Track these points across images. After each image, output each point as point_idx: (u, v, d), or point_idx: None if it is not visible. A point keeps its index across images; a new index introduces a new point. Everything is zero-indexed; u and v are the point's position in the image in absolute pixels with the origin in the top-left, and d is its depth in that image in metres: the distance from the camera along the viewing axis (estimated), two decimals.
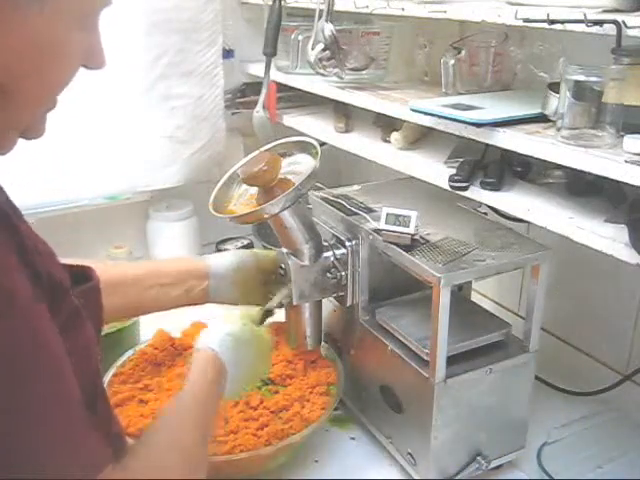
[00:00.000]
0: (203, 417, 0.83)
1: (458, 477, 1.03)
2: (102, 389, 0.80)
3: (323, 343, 1.24)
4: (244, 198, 1.09)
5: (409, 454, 1.05)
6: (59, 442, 0.59)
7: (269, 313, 1.11)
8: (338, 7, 1.19)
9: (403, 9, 1.06)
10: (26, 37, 0.55)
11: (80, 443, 0.61)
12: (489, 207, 1.06)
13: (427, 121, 1.03)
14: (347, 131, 1.34)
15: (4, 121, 0.59)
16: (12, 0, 0.53)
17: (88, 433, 0.62)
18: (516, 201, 0.95)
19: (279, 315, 1.25)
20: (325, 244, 1.13)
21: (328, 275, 1.13)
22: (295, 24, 1.39)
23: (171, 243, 1.62)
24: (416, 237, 1.02)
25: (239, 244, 1.64)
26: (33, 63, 0.57)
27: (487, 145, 0.98)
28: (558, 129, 0.86)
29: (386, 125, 1.25)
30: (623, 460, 1.07)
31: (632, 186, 0.75)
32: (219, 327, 0.99)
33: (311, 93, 1.39)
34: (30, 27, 0.55)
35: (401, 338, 1.05)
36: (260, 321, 1.08)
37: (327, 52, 1.20)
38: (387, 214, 1.02)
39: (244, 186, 1.09)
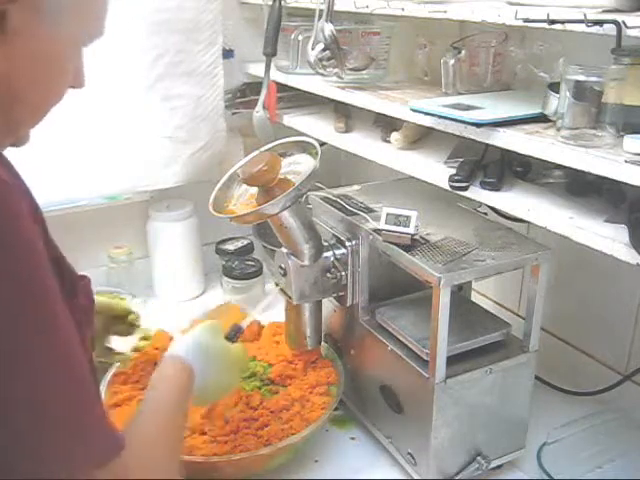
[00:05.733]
0: (174, 420, 0.81)
1: (458, 477, 1.03)
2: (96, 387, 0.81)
3: (323, 343, 1.24)
4: (244, 198, 1.09)
5: (409, 454, 1.05)
6: (71, 425, 0.58)
7: (239, 329, 1.08)
8: (338, 7, 1.19)
9: (403, 9, 1.06)
10: (44, 51, 0.61)
11: (93, 427, 0.61)
12: (489, 207, 1.06)
13: (427, 121, 1.03)
14: (347, 131, 1.34)
15: (6, 132, 0.63)
16: (41, 18, 0.59)
17: (100, 417, 0.62)
18: (516, 201, 0.95)
19: (279, 315, 1.25)
20: (325, 244, 1.13)
21: (328, 275, 1.13)
22: (295, 24, 1.39)
23: (171, 243, 1.62)
24: (416, 237, 1.02)
25: (239, 244, 1.65)
26: (44, 76, 0.63)
27: (487, 145, 0.98)
28: (558, 129, 0.86)
29: (386, 125, 1.25)
30: (623, 460, 1.07)
31: (632, 186, 0.75)
32: (189, 336, 0.96)
33: (311, 93, 1.39)
34: (48, 44, 0.61)
35: (401, 338, 1.05)
36: (230, 337, 1.06)
37: (327, 52, 1.20)
38: (387, 214, 1.02)
39: (244, 186, 1.09)
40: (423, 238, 1.03)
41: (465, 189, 1.00)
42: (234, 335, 1.06)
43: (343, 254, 1.12)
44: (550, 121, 0.92)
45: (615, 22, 0.74)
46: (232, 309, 1.30)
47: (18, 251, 0.55)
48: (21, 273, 0.55)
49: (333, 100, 1.33)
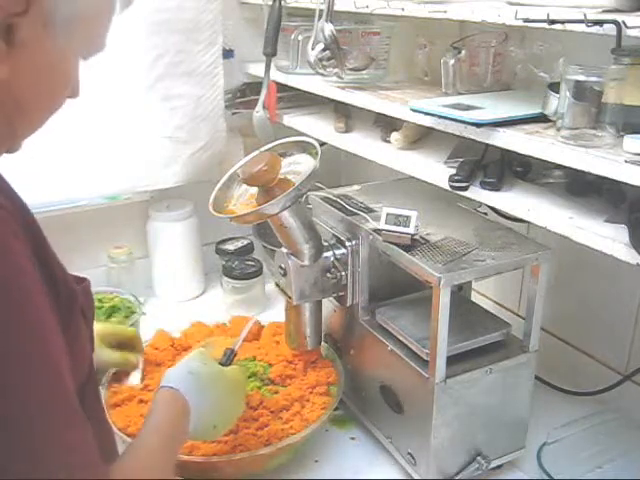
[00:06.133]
0: (167, 455, 0.81)
1: (458, 477, 1.03)
2: (96, 391, 0.80)
3: (323, 343, 1.24)
4: (244, 198, 1.09)
5: (409, 454, 1.05)
6: (53, 440, 0.59)
7: (231, 352, 1.08)
8: (338, 7, 1.19)
9: (403, 9, 1.06)
10: (48, 63, 0.62)
11: (74, 442, 0.61)
12: (489, 207, 1.06)
13: (427, 121, 1.03)
14: (347, 131, 1.34)
15: (4, 140, 0.64)
16: (48, 32, 0.60)
17: (83, 433, 0.62)
18: (516, 201, 0.95)
19: (279, 315, 1.25)
20: (325, 244, 1.13)
21: (328, 275, 1.13)
22: (295, 24, 1.39)
23: (171, 243, 1.62)
24: (416, 237, 1.02)
25: (239, 244, 1.65)
26: (46, 86, 0.64)
27: (487, 145, 0.98)
28: (558, 129, 0.86)
29: (386, 125, 1.25)
30: (623, 460, 1.07)
31: (632, 186, 0.75)
32: (183, 365, 0.95)
33: (311, 93, 1.39)
34: (52, 56, 0.62)
35: (401, 338, 1.05)
36: (224, 362, 1.05)
37: (327, 52, 1.20)
38: (387, 214, 1.02)
39: (244, 186, 1.09)
40: (423, 238, 1.03)
41: (465, 189, 1.00)
42: (228, 359, 1.06)
43: (343, 254, 1.12)
44: (550, 121, 0.92)
45: (615, 22, 0.74)
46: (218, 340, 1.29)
47: (8, 276, 0.56)
48: (11, 296, 0.56)
49: (333, 100, 1.33)
